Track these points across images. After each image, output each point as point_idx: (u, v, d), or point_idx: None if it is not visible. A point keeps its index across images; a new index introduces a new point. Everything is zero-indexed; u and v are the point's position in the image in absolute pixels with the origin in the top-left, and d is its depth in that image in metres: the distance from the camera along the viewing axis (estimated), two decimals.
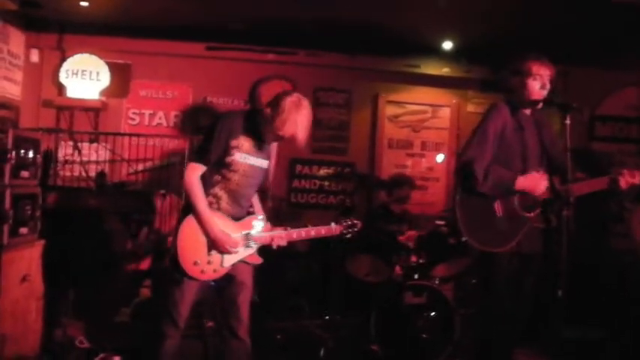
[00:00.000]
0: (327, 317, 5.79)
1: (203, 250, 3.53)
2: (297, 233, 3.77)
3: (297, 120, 3.51)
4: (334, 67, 7.57)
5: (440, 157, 7.78)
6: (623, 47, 6.67)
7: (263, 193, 3.96)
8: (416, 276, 5.45)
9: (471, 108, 7.76)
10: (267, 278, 6.42)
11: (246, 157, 3.59)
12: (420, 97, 7.80)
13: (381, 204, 6.57)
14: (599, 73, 7.46)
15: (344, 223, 3.96)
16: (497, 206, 3.75)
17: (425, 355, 5.09)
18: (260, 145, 3.65)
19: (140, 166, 7.02)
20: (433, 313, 5.19)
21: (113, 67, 7.09)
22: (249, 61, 7.33)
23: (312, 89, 7.55)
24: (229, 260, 3.60)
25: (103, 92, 7.08)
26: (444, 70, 7.69)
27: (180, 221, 3.55)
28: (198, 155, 3.57)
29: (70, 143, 6.84)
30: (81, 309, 5.27)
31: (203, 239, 3.52)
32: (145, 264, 5.88)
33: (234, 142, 3.54)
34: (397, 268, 5.69)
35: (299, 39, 7.20)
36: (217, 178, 3.58)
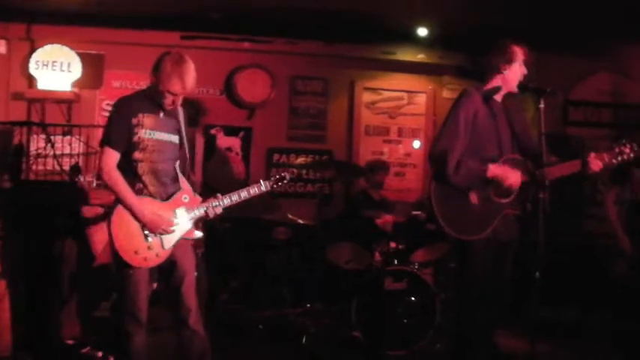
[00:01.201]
0: (308, 305, 5.80)
1: (139, 237, 3.48)
2: (229, 197, 3.74)
3: (178, 73, 3.48)
4: (310, 55, 7.55)
5: (417, 144, 7.81)
6: (595, 33, 6.73)
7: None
8: (395, 262, 5.48)
9: (446, 94, 7.78)
10: (248, 269, 6.44)
11: (151, 133, 3.56)
12: (396, 83, 7.81)
13: (360, 191, 6.59)
14: (571, 59, 7.53)
15: (272, 179, 3.99)
16: (472, 194, 3.77)
17: (407, 339, 5.13)
18: (163, 119, 3.64)
19: None
20: (414, 298, 5.23)
21: (85, 58, 6.97)
22: (225, 50, 7.27)
23: (288, 78, 7.54)
24: (169, 241, 3.55)
25: (75, 83, 6.96)
26: (420, 57, 7.70)
27: (109, 214, 3.50)
28: (106, 140, 3.55)
29: (43, 136, 6.74)
30: (61, 305, 5.22)
31: (136, 226, 3.47)
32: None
33: (134, 121, 3.52)
34: (377, 255, 5.72)
35: (275, 27, 7.16)
36: (133, 163, 3.54)
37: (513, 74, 3.83)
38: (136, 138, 3.53)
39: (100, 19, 6.82)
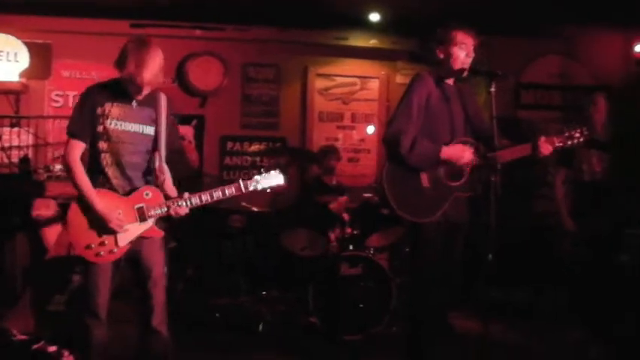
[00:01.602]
0: (264, 293, 5.81)
1: (92, 231, 3.36)
2: (198, 197, 3.51)
3: (141, 57, 3.36)
4: (263, 41, 7.51)
5: (370, 129, 7.85)
6: (544, 16, 6.84)
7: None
8: (351, 247, 5.52)
9: (400, 79, 7.82)
10: (203, 256, 6.41)
11: (118, 124, 3.42)
12: (349, 69, 7.82)
13: (315, 177, 6.61)
14: (522, 42, 7.64)
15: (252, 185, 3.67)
16: (424, 177, 3.82)
17: (363, 324, 5.18)
18: (134, 108, 3.49)
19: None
20: (369, 283, 5.28)
21: (32, 48, 6.81)
22: (176, 37, 7.17)
23: (241, 65, 7.50)
24: (125, 238, 3.42)
25: (23, 74, 6.81)
26: (372, 42, 7.73)
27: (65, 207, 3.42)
28: (71, 132, 3.45)
29: None
30: (13, 299, 5.14)
31: (89, 220, 3.36)
32: None
33: (99, 110, 3.40)
34: (332, 241, 5.75)
35: (226, 14, 7.10)
36: (97, 155, 3.43)
37: (454, 58, 3.86)
38: (100, 128, 3.41)
39: (47, 7, 6.66)
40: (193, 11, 7.03)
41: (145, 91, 3.49)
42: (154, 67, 3.41)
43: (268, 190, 3.71)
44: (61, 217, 5.64)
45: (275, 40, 7.51)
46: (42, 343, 4.52)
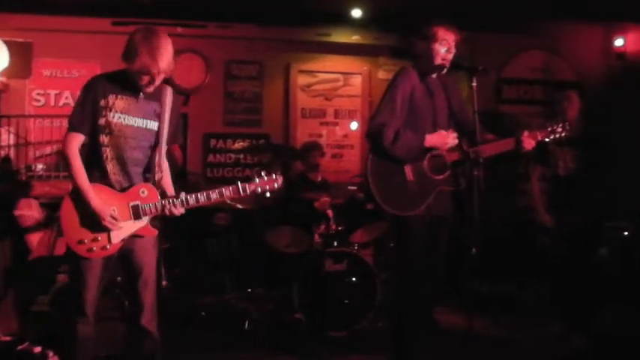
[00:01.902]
0: (249, 290, 5.81)
1: (85, 227, 3.30)
2: (194, 197, 3.42)
3: (150, 48, 3.21)
4: (245, 38, 7.50)
5: (354, 125, 7.86)
6: (526, 11, 6.88)
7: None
8: (335, 243, 5.53)
9: (382, 75, 7.84)
10: (188, 255, 6.40)
11: (122, 117, 3.33)
12: (331, 65, 7.84)
13: (299, 173, 6.60)
14: (504, 37, 7.69)
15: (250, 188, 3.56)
16: (408, 170, 3.82)
17: (348, 320, 5.19)
18: (138, 102, 3.39)
19: (48, 149, 6.80)
20: (354, 279, 5.29)
21: (12, 46, 6.76)
22: None
23: (223, 62, 7.49)
24: (118, 235, 3.35)
25: (3, 73, 6.77)
26: (354, 38, 7.74)
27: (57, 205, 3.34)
28: (71, 124, 3.35)
29: None
30: None
31: (83, 215, 3.29)
32: (61, 249, 5.72)
33: (103, 102, 3.30)
34: (317, 237, 5.76)
35: (208, 11, 7.08)
36: (98, 148, 3.34)
37: (434, 54, 3.87)
38: (102, 121, 3.30)
39: (27, 5, 6.62)
40: (175, 9, 7.01)
41: (158, 82, 3.35)
42: (167, 56, 3.27)
43: (267, 195, 3.62)
44: (44, 217, 5.62)
45: (257, 37, 7.50)
46: (26, 344, 4.49)
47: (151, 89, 3.37)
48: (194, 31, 7.30)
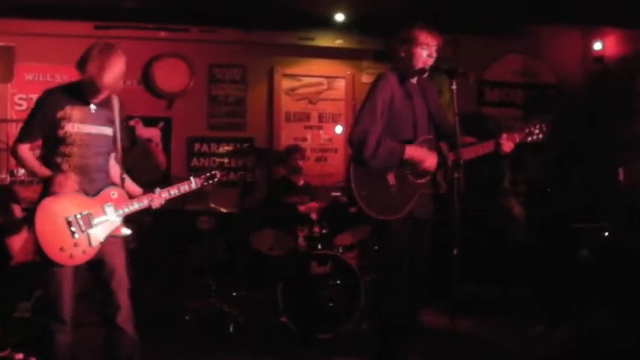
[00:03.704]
0: (234, 294, 5.82)
1: (65, 232, 3.34)
2: (158, 195, 3.70)
3: (100, 62, 3.39)
4: (228, 42, 7.49)
5: (338, 129, 7.89)
6: (508, 15, 6.94)
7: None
8: (319, 246, 5.55)
9: (365, 78, 7.86)
10: (173, 259, 6.40)
11: (79, 127, 3.48)
12: (315, 69, 7.85)
13: (282, 177, 6.62)
14: (486, 40, 7.75)
15: (202, 176, 3.94)
16: (390, 176, 3.86)
17: (333, 322, 5.21)
18: (93, 110, 3.55)
19: None
20: (338, 282, 5.31)
21: None
22: (141, 39, 7.11)
23: (207, 66, 7.47)
24: (96, 238, 3.43)
25: None
26: (338, 42, 7.76)
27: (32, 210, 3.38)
28: (21, 134, 3.50)
29: None
30: None
31: (62, 221, 3.33)
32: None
33: (60, 114, 3.44)
34: (301, 240, 5.77)
35: (192, 15, 7.07)
36: (58, 159, 3.45)
37: (416, 58, 3.90)
38: (62, 132, 3.43)
39: (9, 9, 6.56)
40: (158, 13, 6.99)
41: (103, 95, 3.54)
42: (115, 72, 3.45)
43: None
44: (26, 222, 5.58)
45: (241, 41, 7.49)
46: (8, 350, 4.47)
47: (95, 100, 3.55)
48: (177, 35, 7.28)
